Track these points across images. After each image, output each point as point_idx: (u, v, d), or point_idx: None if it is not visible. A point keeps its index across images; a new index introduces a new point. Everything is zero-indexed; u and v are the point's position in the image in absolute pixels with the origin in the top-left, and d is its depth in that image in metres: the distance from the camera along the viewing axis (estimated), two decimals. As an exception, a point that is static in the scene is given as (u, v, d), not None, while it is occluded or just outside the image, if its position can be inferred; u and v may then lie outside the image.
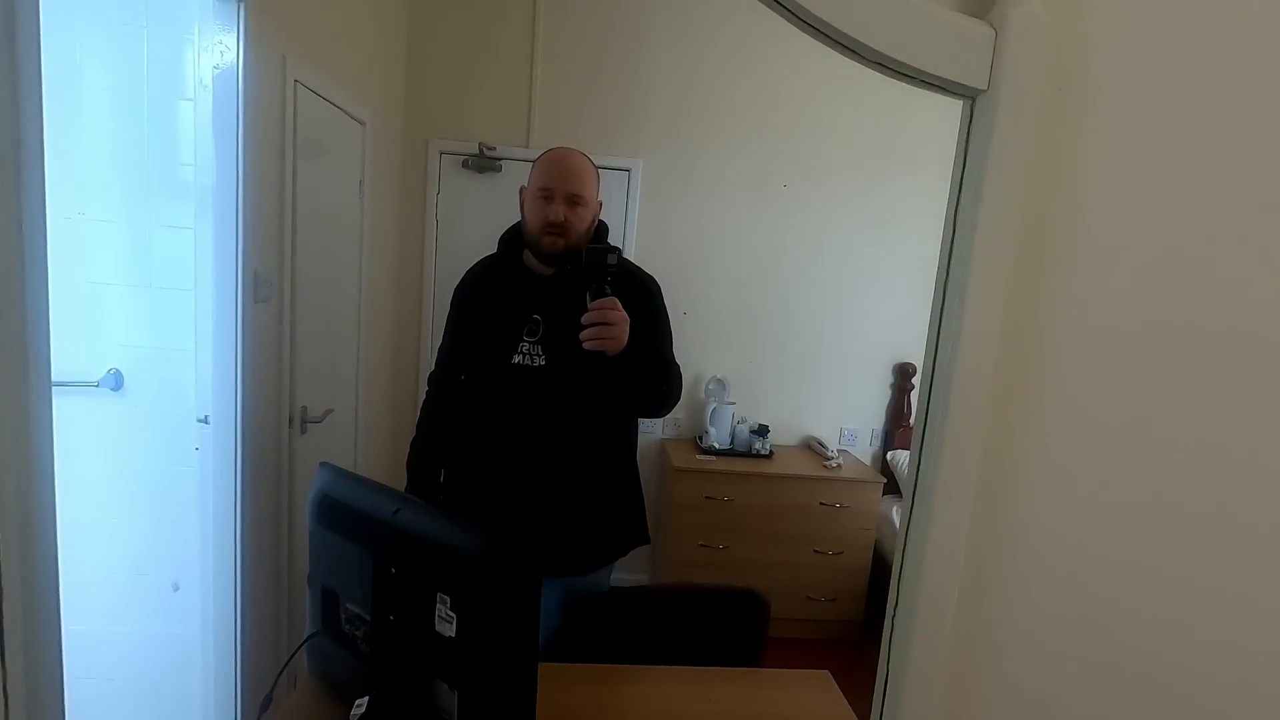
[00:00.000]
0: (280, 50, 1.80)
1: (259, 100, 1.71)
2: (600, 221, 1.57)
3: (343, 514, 1.16)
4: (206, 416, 1.73)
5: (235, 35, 1.59)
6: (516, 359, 1.47)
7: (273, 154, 1.81)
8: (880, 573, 3.04)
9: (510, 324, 1.49)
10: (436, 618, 1.00)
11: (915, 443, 0.81)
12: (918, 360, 3.31)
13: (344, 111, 2.26)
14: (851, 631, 3.06)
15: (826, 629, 3.02)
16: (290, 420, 2.01)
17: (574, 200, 1.46)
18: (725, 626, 1.57)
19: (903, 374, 3.33)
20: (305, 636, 1.21)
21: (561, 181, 1.46)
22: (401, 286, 3.06)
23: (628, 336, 1.29)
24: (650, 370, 1.39)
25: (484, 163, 2.98)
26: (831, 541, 2.97)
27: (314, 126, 2.05)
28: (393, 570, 1.06)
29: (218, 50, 1.59)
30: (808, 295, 3.29)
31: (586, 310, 1.29)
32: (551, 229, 1.45)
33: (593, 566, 1.55)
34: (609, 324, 1.27)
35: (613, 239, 1.63)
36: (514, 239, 1.56)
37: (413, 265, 3.06)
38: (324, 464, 1.26)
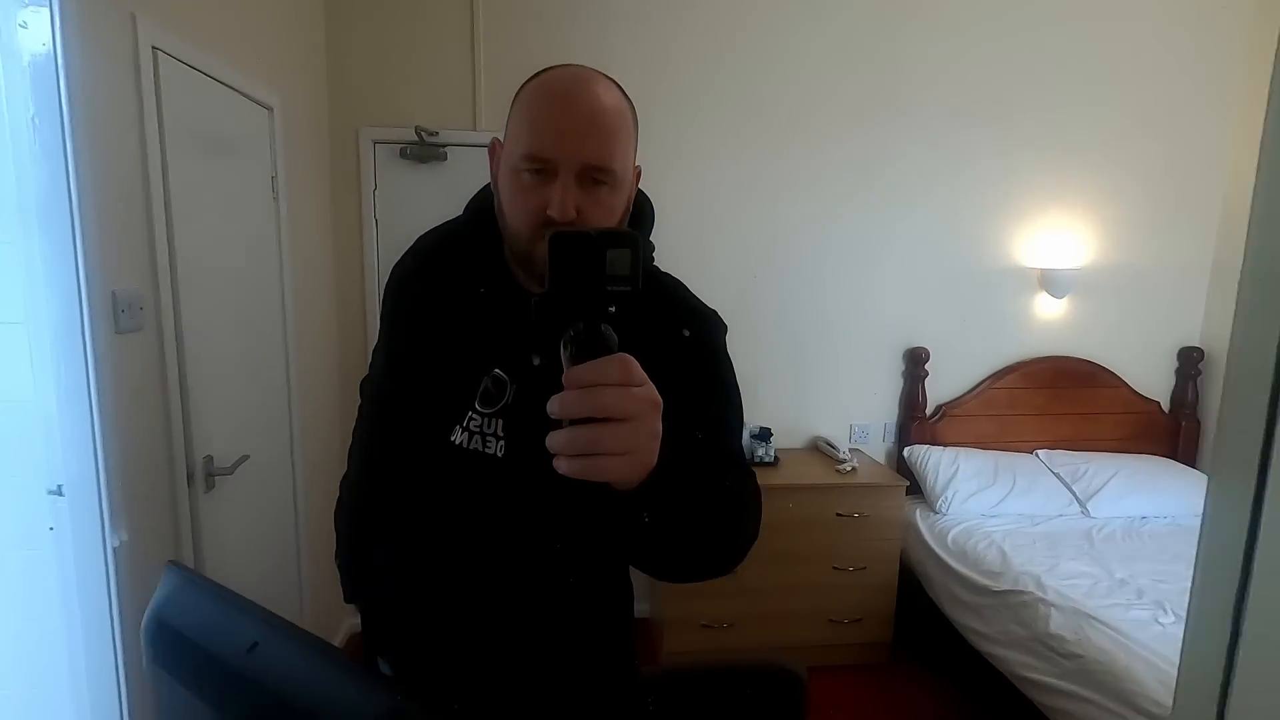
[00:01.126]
0: (127, 7, 1.40)
1: (96, 72, 1.31)
2: (640, 201, 0.90)
3: (183, 650, 0.77)
4: (60, 486, 1.33)
5: (45, -21, 1.19)
6: (458, 438, 0.85)
7: (126, 143, 1.41)
8: (908, 587, 2.69)
9: (455, 374, 0.86)
10: (311, 829, 0.63)
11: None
12: (930, 344, 2.97)
13: (239, 93, 1.86)
14: (880, 655, 2.71)
15: (853, 653, 2.68)
16: (190, 477, 1.62)
17: (594, 177, 0.76)
18: (752, 715, 1.20)
19: (914, 360, 2.98)
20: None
21: (571, 145, 0.75)
22: (342, 299, 2.66)
23: (658, 440, 0.54)
24: (706, 515, 0.65)
25: (425, 150, 2.58)
26: (852, 556, 2.61)
27: (194, 110, 1.65)
28: (244, 747, 0.69)
29: (22, 1, 1.19)
30: (807, 283, 2.93)
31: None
32: (550, 230, 0.79)
33: None
34: (615, 420, 0.50)
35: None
36: (488, 216, 0.87)
37: (352, 273, 2.65)
38: (171, 566, 0.87)
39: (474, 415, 0.85)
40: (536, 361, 0.84)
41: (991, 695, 2.32)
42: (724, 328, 0.91)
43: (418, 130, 2.53)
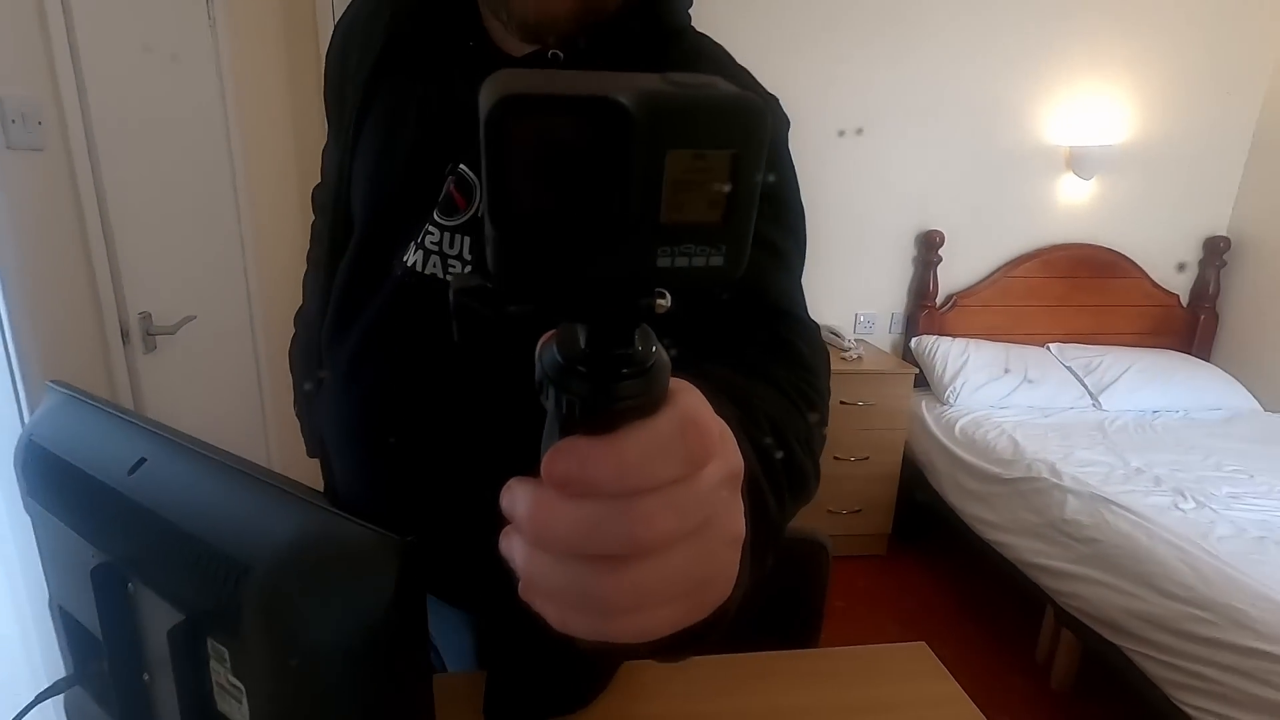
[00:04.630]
0: None
1: None
2: None
3: (59, 476, 0.59)
4: (-44, 331, 1.13)
5: None
6: (410, 258, 0.65)
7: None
8: (911, 479, 2.60)
9: (409, 172, 0.65)
10: (214, 686, 0.47)
11: None
12: (945, 227, 2.76)
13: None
14: (878, 545, 2.65)
15: (854, 544, 2.61)
16: (124, 334, 1.41)
17: None
18: (776, 579, 1.06)
19: (928, 244, 2.78)
20: (45, 689, 0.67)
21: None
22: (300, 137, 2.32)
23: (740, 546, 0.27)
24: (782, 527, 0.44)
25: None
26: (855, 446, 2.50)
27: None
28: (129, 586, 0.52)
29: None
30: (813, 156, 2.67)
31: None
32: None
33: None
34: (657, 552, 0.22)
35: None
36: None
37: (309, 89, 2.31)
38: (54, 385, 0.68)
39: (431, 229, 0.63)
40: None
41: (994, 583, 2.27)
42: (786, 121, 0.67)
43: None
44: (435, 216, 0.63)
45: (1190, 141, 2.83)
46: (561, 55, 0.59)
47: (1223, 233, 2.94)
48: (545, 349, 0.22)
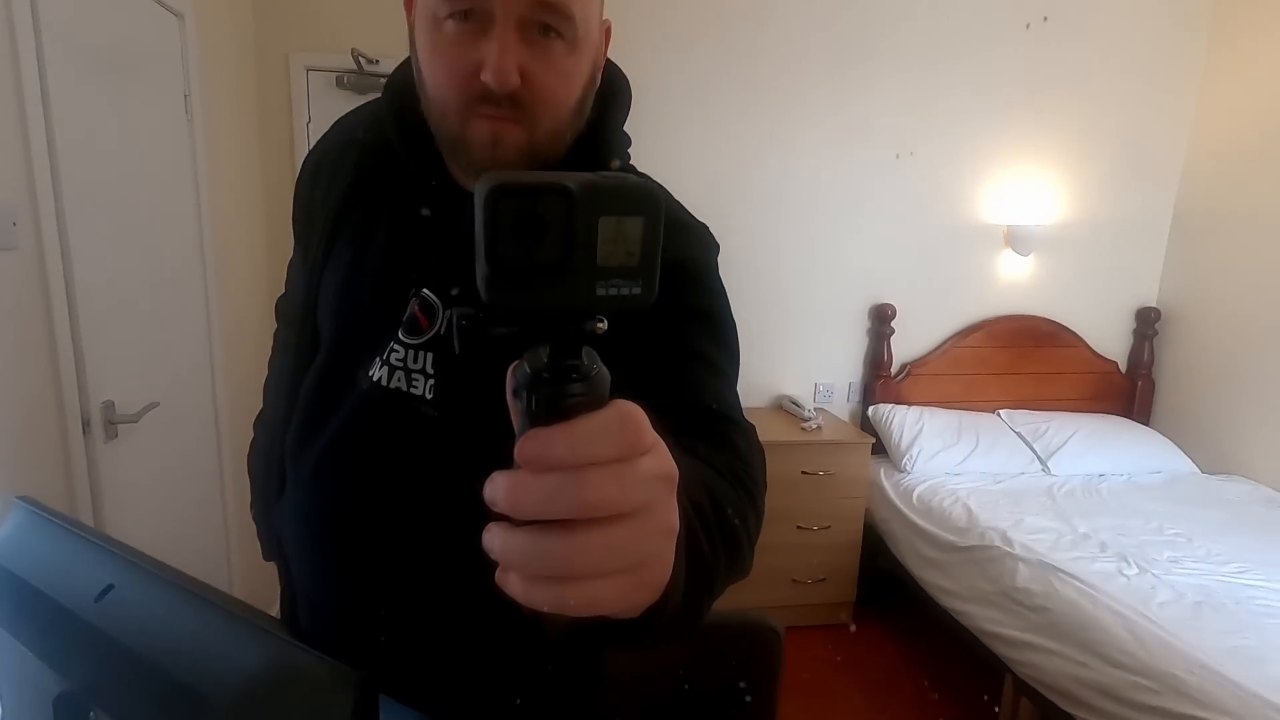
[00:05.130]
0: None
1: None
2: (612, 75, 0.72)
3: (22, 600, 0.61)
4: (-85, 428, 1.13)
5: None
6: (376, 373, 0.69)
7: (-10, 23, 1.19)
8: (873, 546, 2.65)
9: (375, 296, 0.70)
10: (172, 817, 0.49)
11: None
12: (896, 301, 2.90)
13: (141, -9, 1.63)
14: (843, 614, 2.67)
15: (817, 613, 2.63)
16: (85, 424, 1.42)
17: (546, 22, 0.58)
18: (725, 672, 1.09)
19: (880, 317, 2.91)
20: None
21: None
22: (273, 238, 2.42)
23: (676, 536, 0.33)
24: (728, 570, 0.49)
25: (363, 80, 2.36)
26: (817, 515, 2.55)
27: (83, 13, 1.43)
28: (89, 716, 0.54)
29: None
30: (770, 237, 2.81)
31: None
32: (489, 108, 0.60)
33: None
34: (610, 520, 0.29)
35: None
36: (410, 98, 0.67)
37: (283, 209, 2.41)
38: (20, 502, 0.70)
39: (396, 346, 0.68)
40: (455, 292, 0.65)
41: (955, 651, 2.30)
42: (715, 246, 0.74)
43: (355, 55, 2.30)
44: (400, 335, 0.68)
45: (1116, 220, 3.05)
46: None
47: (1153, 304, 3.14)
48: (519, 367, 0.29)
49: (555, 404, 0.28)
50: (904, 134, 2.82)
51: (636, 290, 0.29)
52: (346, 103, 2.40)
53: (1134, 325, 3.16)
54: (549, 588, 0.28)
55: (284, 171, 2.41)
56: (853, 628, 2.64)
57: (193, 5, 1.85)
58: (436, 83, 0.61)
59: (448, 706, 0.74)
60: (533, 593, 0.29)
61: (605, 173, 0.29)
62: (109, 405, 1.49)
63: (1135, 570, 1.99)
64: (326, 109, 2.40)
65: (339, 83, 2.38)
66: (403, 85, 0.69)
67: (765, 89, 2.70)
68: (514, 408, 0.30)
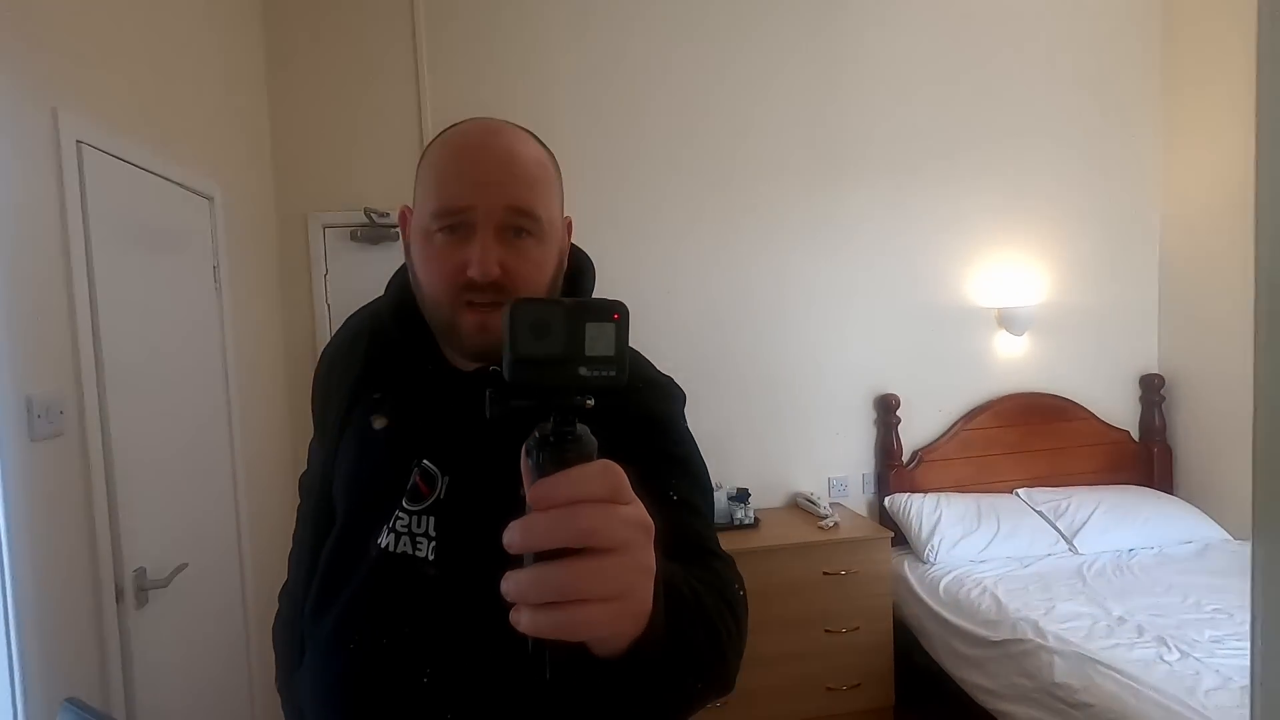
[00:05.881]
0: (48, 101, 1.35)
1: (13, 167, 1.25)
2: (577, 257, 0.83)
3: (74, 809, 0.66)
4: (-37, 618, 1.19)
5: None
6: (384, 540, 0.75)
7: (46, 238, 1.34)
8: (906, 644, 2.58)
9: (382, 468, 0.77)
10: None
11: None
12: (900, 390, 2.96)
13: (176, 184, 1.81)
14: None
15: (855, 723, 2.52)
16: (118, 594, 1.47)
17: (518, 226, 0.70)
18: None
19: (886, 407, 2.96)
20: None
21: (488, 190, 0.69)
22: (293, 391, 2.55)
23: (654, 577, 0.42)
24: (702, 649, 0.53)
25: (376, 232, 2.55)
26: (844, 617, 2.50)
27: (126, 203, 1.60)
28: None
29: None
30: (771, 339, 2.92)
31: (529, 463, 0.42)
32: (476, 297, 0.69)
33: None
34: (598, 552, 0.37)
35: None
36: (409, 292, 0.79)
37: (303, 360, 2.56)
38: (69, 704, 0.75)
39: (401, 514, 0.75)
40: (489, 392, 0.69)
41: (1004, 756, 2.19)
42: (682, 396, 0.83)
43: (367, 212, 2.50)
44: (404, 504, 0.75)
45: (1105, 292, 3.14)
46: (498, 369, 0.76)
47: (1155, 370, 3.17)
48: (532, 438, 0.40)
49: (557, 458, 0.38)
50: (888, 232, 2.97)
51: (612, 373, 0.41)
52: (360, 253, 2.58)
53: (1140, 392, 3.19)
54: (550, 613, 0.36)
55: (303, 324, 2.56)
56: (897, 734, 2.53)
57: (221, 187, 2.05)
58: (430, 281, 0.72)
59: None
60: (538, 619, 0.37)
61: (588, 297, 0.43)
62: (141, 572, 1.54)
63: (1176, 655, 1.93)
64: (342, 261, 2.59)
65: (352, 236, 2.57)
66: (400, 286, 0.81)
67: (750, 206, 2.88)
68: (526, 467, 0.40)
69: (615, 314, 0.41)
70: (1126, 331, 3.17)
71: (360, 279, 2.58)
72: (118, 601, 1.47)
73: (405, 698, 0.73)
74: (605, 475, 0.39)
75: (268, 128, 2.53)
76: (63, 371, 1.36)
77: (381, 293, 0.87)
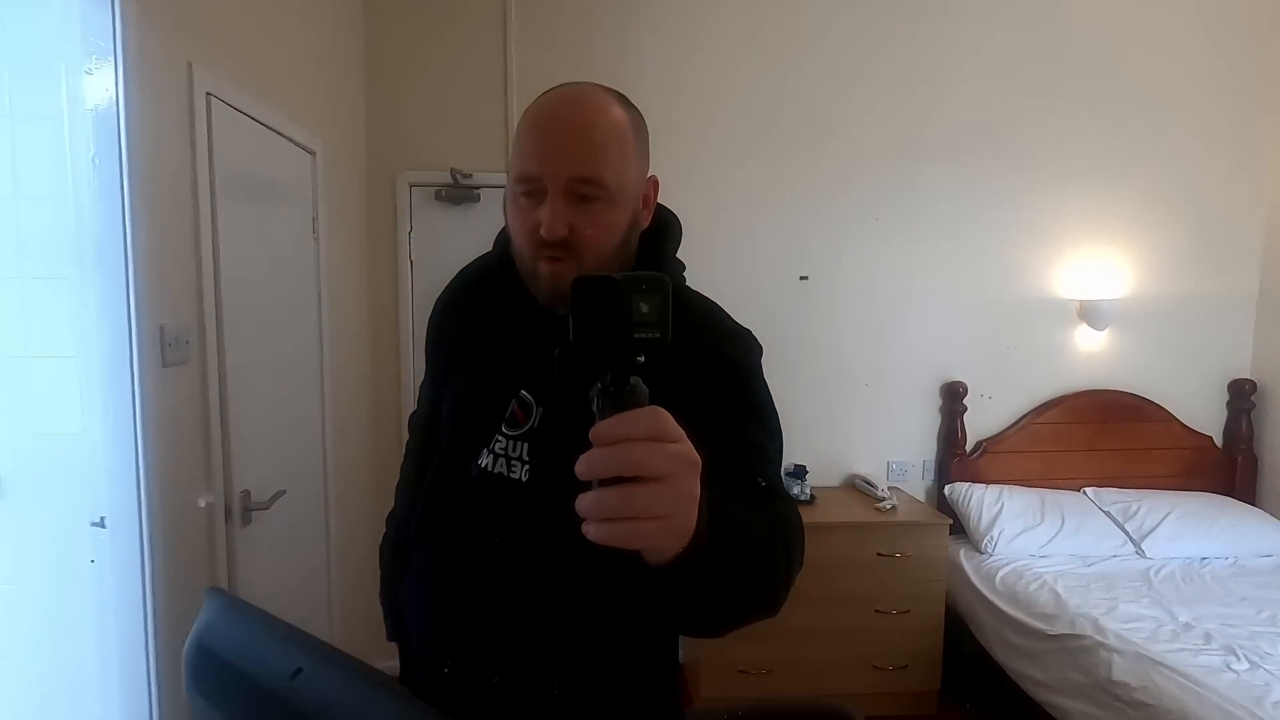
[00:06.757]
0: (183, 54, 1.46)
1: (153, 116, 1.36)
2: (664, 217, 0.89)
3: (224, 676, 0.75)
4: (102, 518, 1.34)
5: (110, 29, 1.25)
6: (484, 461, 0.84)
7: (179, 183, 1.46)
8: (957, 632, 2.57)
9: (485, 397, 0.86)
10: None
11: None
12: (967, 378, 2.91)
13: (285, 137, 1.93)
14: (928, 704, 2.58)
15: (900, 703, 2.55)
16: (227, 512, 1.62)
17: (583, 193, 0.76)
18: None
19: (952, 395, 2.92)
20: None
21: (555, 161, 0.75)
22: (376, 340, 2.69)
23: (696, 503, 0.49)
24: (748, 568, 0.60)
25: (459, 193, 2.64)
26: (895, 599, 2.51)
27: (242, 154, 1.71)
28: (287, 779, 0.66)
29: (89, 50, 1.25)
30: (841, 317, 2.90)
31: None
32: (548, 252, 0.77)
33: None
34: (647, 480, 0.45)
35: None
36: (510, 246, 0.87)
37: (386, 315, 2.69)
38: (212, 592, 0.86)
39: (500, 438, 0.84)
40: (557, 352, 0.82)
41: (1051, 749, 2.18)
42: (759, 348, 0.88)
43: (453, 173, 2.59)
44: (503, 429, 0.84)
45: (1197, 291, 2.99)
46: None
47: (1246, 375, 3.02)
48: (595, 388, 0.47)
49: (614, 405, 0.46)
50: (965, 214, 2.90)
51: (657, 335, 0.48)
52: (443, 213, 2.68)
53: (1227, 398, 3.04)
54: (609, 527, 0.45)
55: (387, 278, 2.69)
56: (969, 707, 2.55)
57: (322, 143, 2.16)
58: (516, 235, 0.81)
59: None
60: (600, 531, 0.45)
61: (639, 271, 0.51)
62: (246, 495, 1.69)
63: (1245, 665, 1.88)
64: (426, 220, 2.69)
65: (436, 196, 2.67)
66: (505, 240, 0.89)
67: (826, 183, 2.85)
68: (592, 413, 0.48)
69: (660, 287, 0.49)
70: (1219, 331, 3.02)
71: (442, 238, 2.68)
72: (226, 519, 1.61)
73: (496, 598, 0.83)
74: (653, 418, 0.46)
75: (363, 87, 2.64)
76: (188, 306, 1.49)
77: (469, 251, 0.98)
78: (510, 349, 0.87)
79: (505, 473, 0.83)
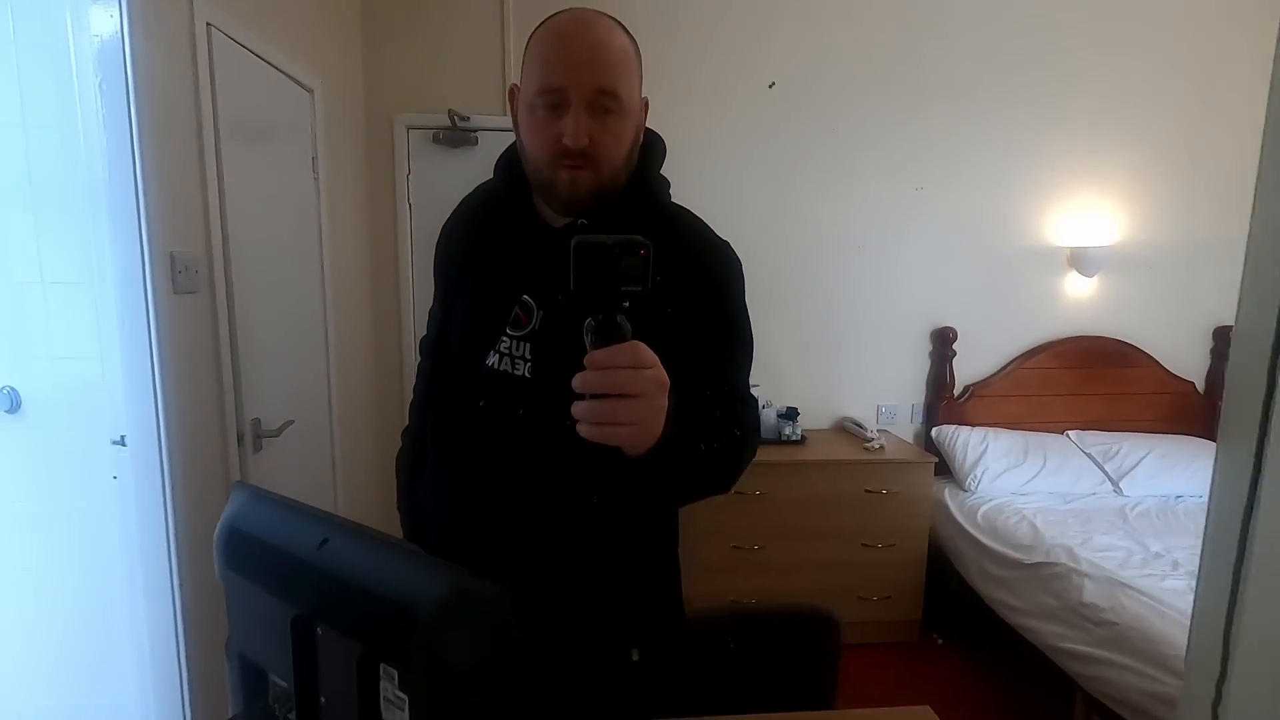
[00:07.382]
0: (184, -17, 1.47)
1: (157, 45, 1.38)
2: (650, 136, 0.95)
3: (255, 552, 0.82)
4: (123, 437, 1.40)
5: (112, -47, 1.26)
6: (491, 360, 0.93)
7: (183, 113, 1.48)
8: (937, 564, 2.69)
9: (491, 304, 0.94)
10: (382, 700, 0.67)
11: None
12: (958, 324, 2.96)
13: (284, 74, 1.94)
14: (910, 632, 2.71)
15: (883, 630, 2.67)
16: (240, 437, 1.68)
17: (603, 105, 0.83)
18: (787, 657, 1.23)
19: (942, 340, 2.98)
20: (222, 724, 0.88)
21: (580, 73, 0.81)
22: (377, 278, 2.73)
23: (664, 414, 0.63)
24: (703, 461, 0.74)
25: (457, 135, 2.65)
26: (881, 533, 2.62)
27: (243, 87, 1.72)
28: (318, 631, 0.73)
29: (92, -26, 1.26)
30: (829, 259, 2.94)
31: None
32: (569, 160, 0.84)
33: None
34: (627, 396, 0.60)
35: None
36: (515, 165, 0.94)
37: (386, 252, 2.72)
38: (239, 484, 0.92)
39: (505, 339, 0.92)
40: (560, 298, 0.90)
41: (1024, 667, 2.31)
42: (738, 261, 0.96)
43: (450, 115, 2.60)
44: (508, 330, 0.92)
45: (1186, 239, 3.03)
46: (585, 222, 0.89)
47: (1231, 323, 3.08)
48: (587, 324, 0.59)
49: (603, 339, 0.59)
50: (958, 162, 2.91)
51: (638, 288, 0.59)
52: (441, 155, 2.69)
53: (1212, 344, 3.11)
54: (598, 429, 0.59)
55: (386, 220, 2.71)
56: (940, 640, 2.68)
57: (321, 82, 2.17)
58: (533, 147, 0.87)
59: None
60: (591, 431, 0.59)
61: (625, 235, 0.59)
62: (256, 422, 1.75)
63: (1209, 588, 1.98)
64: (424, 162, 2.70)
65: (434, 139, 2.68)
66: (508, 160, 0.96)
67: (817, 126, 2.86)
68: (586, 342, 0.60)
69: (643, 249, 0.59)
70: (1207, 279, 3.07)
71: (440, 180, 2.70)
72: (239, 445, 1.68)
73: (505, 481, 0.92)
74: (633, 350, 0.60)
75: (360, 29, 2.62)
76: (196, 236, 1.53)
77: (469, 188, 1.04)
78: (513, 259, 0.94)
79: (510, 370, 0.91)
